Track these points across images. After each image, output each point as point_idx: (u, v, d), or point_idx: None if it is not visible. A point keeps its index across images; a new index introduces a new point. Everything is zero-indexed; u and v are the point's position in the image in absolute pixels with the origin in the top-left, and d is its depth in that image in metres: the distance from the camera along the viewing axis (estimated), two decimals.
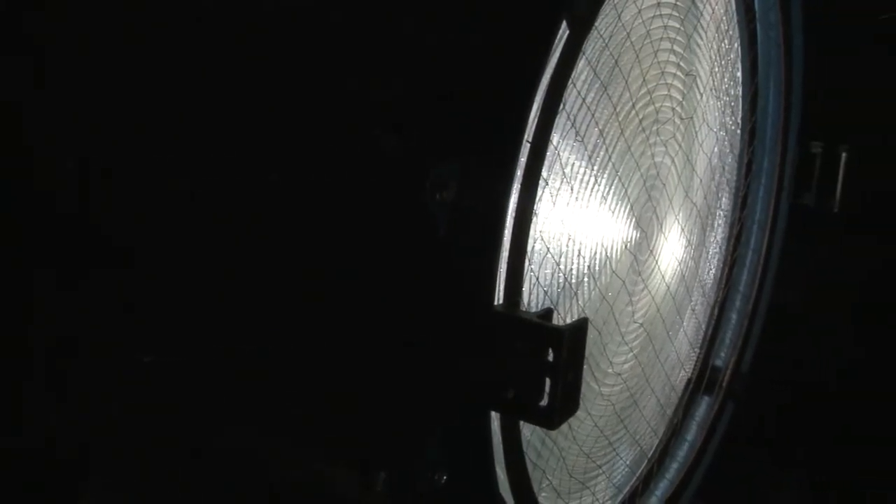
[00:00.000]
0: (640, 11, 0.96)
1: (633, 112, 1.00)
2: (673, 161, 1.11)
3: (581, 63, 0.88)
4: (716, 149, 1.25)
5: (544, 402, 0.75)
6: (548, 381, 0.74)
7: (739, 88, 1.32)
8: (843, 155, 1.36)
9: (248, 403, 0.89)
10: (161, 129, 0.88)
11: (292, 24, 0.84)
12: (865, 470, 1.55)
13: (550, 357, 0.74)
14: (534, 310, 0.85)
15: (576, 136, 0.90)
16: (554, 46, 0.80)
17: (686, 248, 1.22)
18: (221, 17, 0.88)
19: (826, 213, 1.38)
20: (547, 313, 0.77)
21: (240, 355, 0.87)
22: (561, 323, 0.83)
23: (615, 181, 0.99)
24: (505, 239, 0.78)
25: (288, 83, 0.84)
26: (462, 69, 0.77)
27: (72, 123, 0.90)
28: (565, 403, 0.76)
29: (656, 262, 1.14)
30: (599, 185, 0.97)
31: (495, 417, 0.84)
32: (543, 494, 1.01)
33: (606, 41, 0.92)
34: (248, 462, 0.92)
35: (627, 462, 1.22)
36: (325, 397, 0.85)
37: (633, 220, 1.05)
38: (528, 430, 0.92)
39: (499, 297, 0.79)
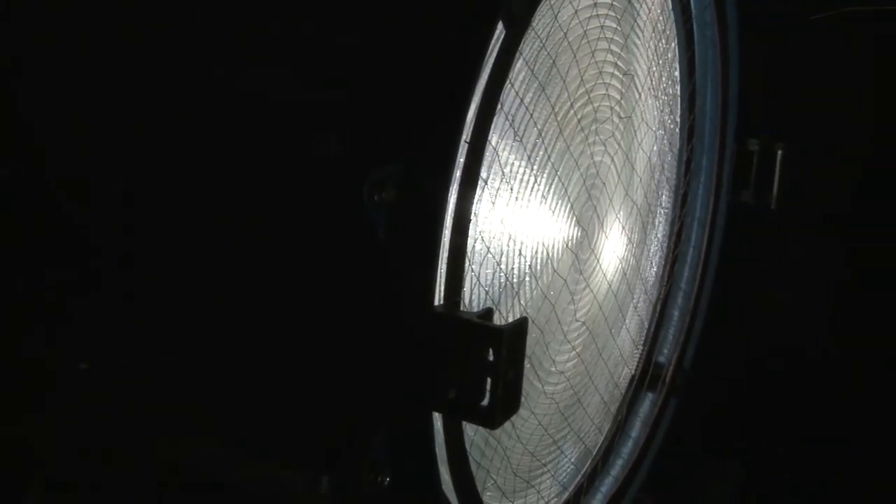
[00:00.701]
0: (576, 12, 0.97)
1: (572, 112, 1.01)
2: (612, 160, 1.12)
3: (519, 63, 0.89)
4: (655, 147, 1.27)
5: (486, 401, 0.75)
6: (489, 380, 0.75)
7: (678, 87, 1.34)
8: (780, 153, 1.38)
9: (188, 407, 0.88)
10: (102, 131, 0.87)
11: (227, 25, 0.83)
12: (804, 462, 1.58)
13: (491, 357, 0.74)
14: (476, 310, 0.86)
15: (515, 136, 0.90)
16: (491, 47, 0.80)
17: (627, 246, 1.23)
18: (164, 19, 0.87)
19: (764, 210, 1.40)
20: (487, 313, 0.78)
21: (178, 358, 0.86)
22: (502, 322, 0.83)
23: (555, 180, 1.00)
24: (444, 239, 0.78)
25: (224, 85, 0.83)
26: (399, 70, 0.77)
27: None
28: (506, 403, 0.76)
29: (598, 261, 1.15)
30: (539, 185, 0.97)
31: (439, 418, 0.84)
32: (489, 494, 1.01)
33: (544, 41, 0.92)
34: (188, 467, 0.91)
35: (572, 460, 1.23)
36: (267, 400, 0.84)
37: (574, 219, 1.06)
38: (471, 430, 0.92)
39: (440, 297, 0.79)
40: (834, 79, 1.51)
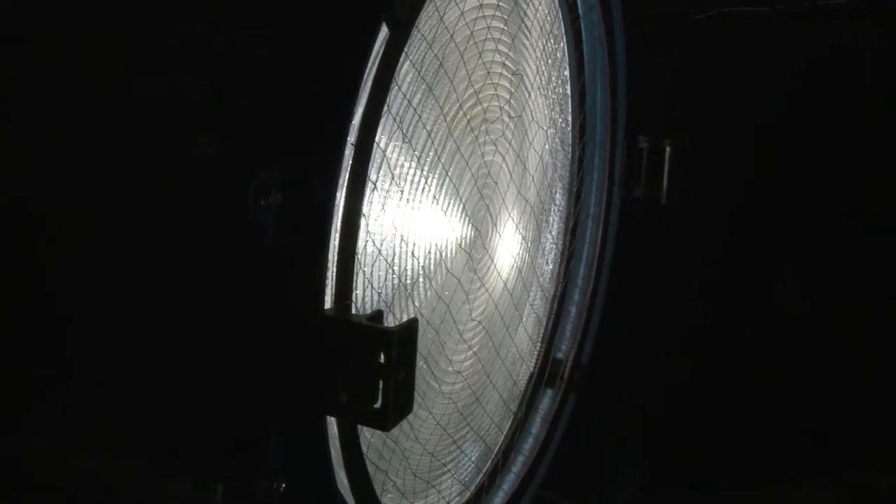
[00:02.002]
0: (462, 13, 0.98)
1: (461, 112, 1.01)
2: (504, 159, 1.13)
3: (406, 65, 0.89)
4: (547, 146, 1.28)
5: (378, 403, 0.75)
6: (381, 382, 0.75)
7: (568, 86, 1.35)
8: (668, 149, 1.41)
9: (77, 416, 0.86)
10: None
11: (104, 24, 0.82)
12: (703, 455, 1.61)
13: (382, 359, 0.74)
14: (370, 312, 0.85)
15: (403, 137, 0.90)
16: (376, 49, 0.80)
17: (521, 244, 1.24)
18: (40, 18, 0.85)
19: (654, 205, 1.43)
20: (377, 315, 0.77)
21: (63, 366, 0.85)
22: (396, 324, 0.83)
23: (446, 181, 1.00)
24: (333, 242, 0.78)
25: (102, 87, 0.81)
26: (283, 72, 0.77)
27: None
28: (398, 404, 0.76)
29: (492, 260, 1.15)
30: (430, 186, 0.97)
31: (334, 421, 0.84)
32: (389, 496, 1.01)
33: (430, 43, 0.92)
34: (79, 477, 0.89)
35: (473, 459, 1.23)
36: (158, 409, 0.83)
37: (467, 218, 1.06)
38: (369, 432, 0.92)
39: (331, 301, 0.79)
40: (717, 76, 1.55)
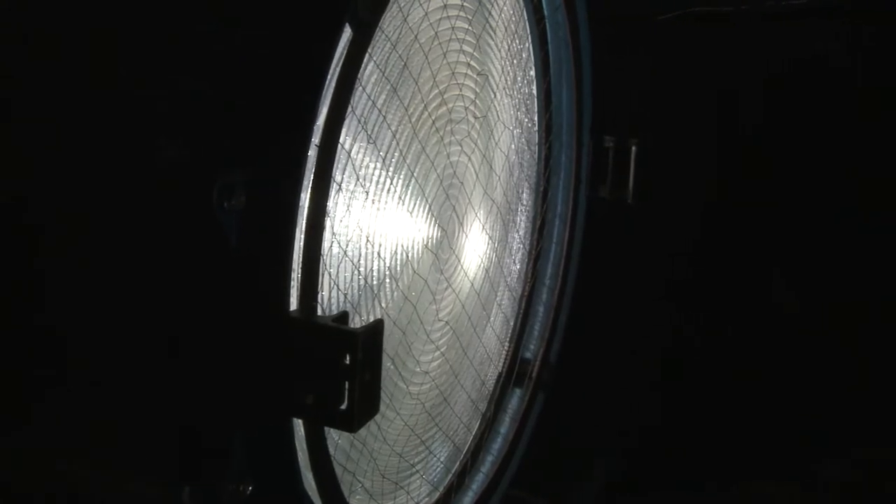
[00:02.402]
0: (427, 14, 0.98)
1: (426, 113, 1.01)
2: (469, 159, 1.13)
3: (370, 66, 0.89)
4: (513, 146, 1.28)
5: (344, 405, 0.75)
6: (347, 384, 0.75)
7: (533, 86, 1.36)
8: (633, 149, 1.42)
9: (41, 421, 0.86)
10: None
11: (65, 25, 0.81)
12: (670, 456, 1.62)
13: (348, 360, 0.74)
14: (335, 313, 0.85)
15: (368, 138, 0.90)
16: (339, 50, 0.80)
17: (488, 244, 1.25)
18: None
19: (620, 205, 1.44)
20: (342, 316, 0.77)
21: (27, 369, 0.84)
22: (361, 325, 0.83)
23: (411, 182, 1.00)
24: (298, 244, 0.78)
25: (64, 89, 0.81)
26: (246, 74, 0.76)
27: None
28: (364, 405, 0.76)
29: (459, 261, 1.16)
30: (395, 187, 0.97)
31: (301, 423, 0.83)
32: (357, 497, 1.01)
33: (394, 44, 0.92)
34: (43, 482, 0.88)
35: (442, 459, 1.23)
36: (123, 412, 0.83)
37: (433, 219, 1.06)
38: (336, 434, 0.92)
39: (296, 302, 0.79)
40: (682, 76, 1.56)
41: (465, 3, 1.06)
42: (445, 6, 1.01)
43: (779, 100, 1.58)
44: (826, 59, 1.54)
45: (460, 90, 1.09)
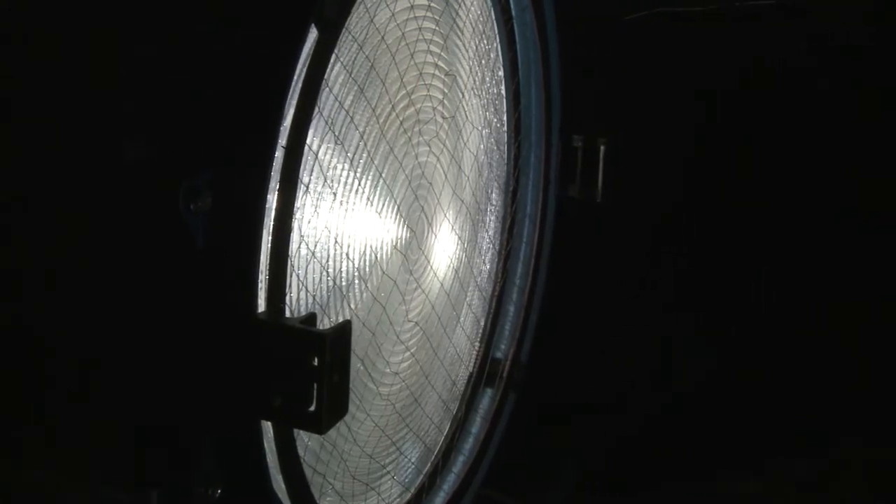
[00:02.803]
0: (393, 14, 0.98)
1: (394, 114, 1.01)
2: (438, 160, 1.13)
3: (337, 67, 0.88)
4: (482, 146, 1.29)
5: (313, 406, 0.75)
6: (315, 385, 0.75)
7: (502, 87, 1.36)
8: (602, 148, 1.43)
9: (7, 426, 0.85)
10: None
11: (26, 26, 0.80)
12: (640, 454, 1.63)
13: (316, 361, 0.74)
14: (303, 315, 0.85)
15: (336, 139, 0.90)
16: (306, 50, 0.80)
17: (458, 244, 1.25)
18: None
19: (590, 204, 1.45)
20: (309, 318, 0.77)
21: None
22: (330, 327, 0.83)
23: (380, 183, 1.00)
24: (265, 246, 0.78)
25: (27, 91, 0.80)
26: (212, 75, 0.76)
27: None
28: (333, 407, 0.76)
29: (428, 261, 1.16)
30: (364, 188, 0.97)
31: (270, 425, 0.83)
32: (328, 499, 1.00)
33: (361, 44, 0.92)
34: (12, 490, 0.88)
35: (413, 460, 1.23)
36: (90, 416, 0.82)
37: (401, 220, 1.06)
38: (306, 436, 0.92)
39: (264, 304, 0.79)
40: (650, 76, 1.57)
41: (432, 4, 1.06)
42: (412, 6, 1.01)
43: (747, 99, 1.59)
44: (791, 58, 1.56)
45: (428, 91, 1.09)
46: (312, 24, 0.79)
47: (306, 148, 0.82)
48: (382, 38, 0.96)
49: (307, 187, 0.86)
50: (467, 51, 1.19)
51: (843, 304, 1.60)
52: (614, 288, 1.65)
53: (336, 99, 0.89)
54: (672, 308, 1.69)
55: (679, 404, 1.64)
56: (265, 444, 0.81)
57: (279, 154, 0.77)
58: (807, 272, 1.61)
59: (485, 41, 1.26)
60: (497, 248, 1.42)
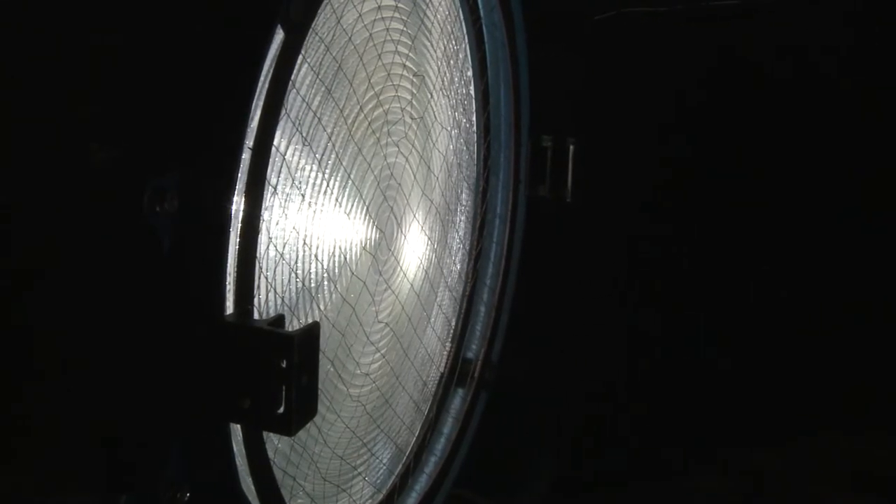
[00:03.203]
0: (360, 15, 0.97)
1: (362, 115, 1.01)
2: (407, 161, 1.13)
3: (304, 68, 0.88)
4: (451, 146, 1.29)
5: (282, 408, 0.75)
6: (284, 387, 0.74)
7: (471, 87, 1.36)
8: (571, 148, 1.43)
9: None
10: None
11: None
12: (615, 453, 1.64)
13: (284, 363, 0.74)
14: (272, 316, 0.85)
15: (303, 140, 0.90)
16: (272, 51, 0.80)
17: (427, 245, 1.25)
18: None
19: (559, 203, 1.45)
20: (278, 320, 0.77)
21: None
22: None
23: (348, 184, 1.00)
24: (233, 247, 0.77)
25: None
26: (178, 76, 0.76)
27: None
28: (302, 409, 0.75)
29: (398, 262, 1.15)
30: (332, 189, 0.97)
31: (239, 428, 0.83)
32: (299, 501, 1.00)
33: (328, 45, 0.92)
34: None
35: (384, 461, 1.23)
36: (56, 420, 0.81)
37: (370, 221, 1.06)
38: (276, 438, 0.91)
39: (232, 306, 0.78)
40: (619, 75, 1.58)
41: (399, 4, 1.06)
42: (380, 7, 1.01)
43: (714, 97, 1.60)
44: (757, 57, 1.57)
45: (396, 91, 1.09)
46: (279, 26, 0.79)
47: (274, 149, 0.81)
48: (350, 38, 0.96)
49: (275, 188, 0.86)
50: (436, 51, 1.19)
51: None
52: (585, 287, 1.65)
53: (303, 100, 0.88)
54: (639, 306, 1.70)
55: (654, 402, 1.65)
56: (234, 447, 0.81)
57: (246, 155, 0.77)
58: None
59: (453, 41, 1.26)
60: (467, 248, 1.43)
